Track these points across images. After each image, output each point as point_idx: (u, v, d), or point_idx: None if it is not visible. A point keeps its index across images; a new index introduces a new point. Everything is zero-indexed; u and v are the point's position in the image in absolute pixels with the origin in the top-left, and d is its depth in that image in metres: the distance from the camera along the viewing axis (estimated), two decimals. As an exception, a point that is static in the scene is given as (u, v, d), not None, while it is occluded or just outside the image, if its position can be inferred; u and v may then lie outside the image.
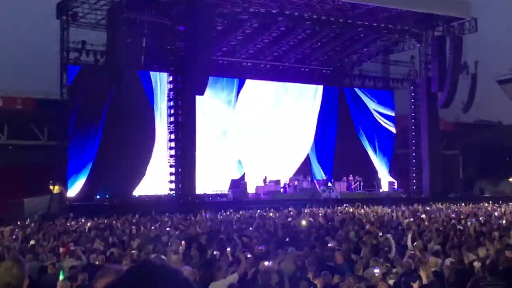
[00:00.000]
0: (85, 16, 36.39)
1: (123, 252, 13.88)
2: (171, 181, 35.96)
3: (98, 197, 35.58)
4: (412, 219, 19.59)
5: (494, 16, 58.69)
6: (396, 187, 44.79)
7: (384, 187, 45.41)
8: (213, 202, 37.27)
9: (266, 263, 10.04)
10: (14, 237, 18.93)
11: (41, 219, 28.80)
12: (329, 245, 13.53)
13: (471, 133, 55.98)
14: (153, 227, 20.57)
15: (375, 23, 40.27)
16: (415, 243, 13.43)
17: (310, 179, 42.07)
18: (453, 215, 22.16)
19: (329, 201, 36.63)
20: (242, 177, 40.20)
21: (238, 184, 38.86)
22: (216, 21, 35.96)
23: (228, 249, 12.57)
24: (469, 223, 17.54)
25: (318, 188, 40.00)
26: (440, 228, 16.61)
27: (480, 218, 19.99)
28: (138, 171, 37.23)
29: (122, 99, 36.36)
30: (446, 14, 40.93)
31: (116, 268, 3.17)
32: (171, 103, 36.55)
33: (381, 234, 15.47)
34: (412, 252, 12.17)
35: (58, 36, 35.85)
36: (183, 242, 14.94)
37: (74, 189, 35.66)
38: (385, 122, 47.92)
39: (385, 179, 46.36)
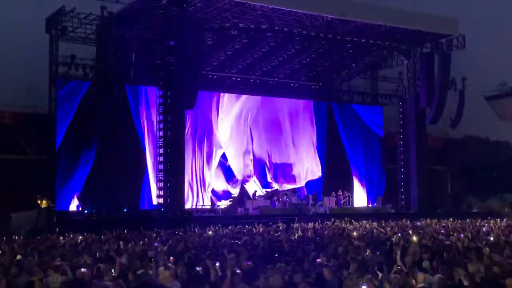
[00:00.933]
0: (75, 30, 36.34)
1: (110, 267, 13.79)
2: (159, 196, 35.83)
3: (86, 212, 35.41)
4: (400, 235, 19.61)
5: (482, 33, 59.23)
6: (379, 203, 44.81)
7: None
8: (202, 217, 37.13)
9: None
10: (0, 252, 18.75)
11: (28, 234, 28.57)
12: (318, 260, 13.49)
13: (459, 149, 56.33)
14: (141, 242, 20.44)
15: (363, 39, 40.50)
16: (404, 258, 13.45)
17: (299, 194, 42.08)
18: (442, 231, 22.20)
19: (318, 216, 36.63)
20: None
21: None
22: (206, 36, 36.02)
23: (217, 264, 12.50)
24: (458, 240, 17.55)
25: (307, 203, 39.98)
26: (428, 244, 16.63)
27: (468, 234, 20.03)
28: (128, 186, 37.14)
29: (113, 114, 36.35)
30: (434, 31, 41.26)
31: (103, 286, 3.17)
32: (161, 118, 36.46)
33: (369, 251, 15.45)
34: (399, 267, 12.18)
35: (47, 50, 35.76)
36: (171, 258, 14.88)
37: (65, 204, 35.46)
38: (373, 138, 47.99)
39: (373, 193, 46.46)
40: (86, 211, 35.42)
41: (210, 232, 25.02)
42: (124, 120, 37.38)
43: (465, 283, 10.38)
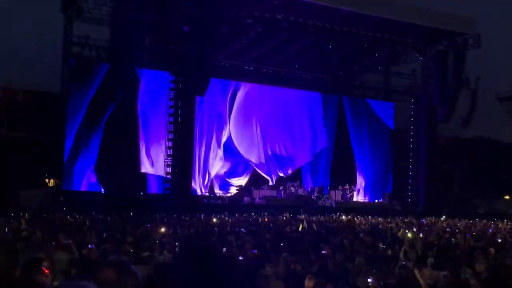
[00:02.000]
0: (90, 11, 36.35)
1: (116, 247, 13.85)
2: (167, 181, 35.97)
3: (103, 191, 35.58)
4: (406, 231, 19.58)
5: (498, 33, 58.84)
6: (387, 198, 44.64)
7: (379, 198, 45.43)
8: (208, 203, 37.22)
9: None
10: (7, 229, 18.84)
11: (35, 212, 28.73)
12: (323, 252, 13.50)
13: (468, 149, 56.04)
14: (148, 225, 20.53)
15: (378, 34, 40.29)
16: (409, 254, 13.43)
17: (306, 186, 42.08)
18: (448, 229, 22.16)
19: (324, 209, 36.64)
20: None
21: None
22: (220, 24, 35.92)
23: (224, 249, 12.55)
24: (464, 239, 17.52)
25: (314, 196, 39.98)
26: (435, 241, 16.61)
27: (474, 234, 19.99)
28: (138, 169, 37.22)
29: (125, 96, 36.41)
30: (450, 29, 41.00)
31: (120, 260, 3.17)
32: (171, 103, 36.50)
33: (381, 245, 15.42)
34: (404, 263, 12.17)
35: (62, 30, 35.78)
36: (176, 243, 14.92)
37: (73, 184, 35.62)
38: (383, 134, 47.79)
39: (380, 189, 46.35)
40: (103, 191, 35.46)
41: (215, 219, 25.07)
42: (135, 103, 37.36)
43: (471, 282, 10.35)
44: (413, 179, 45.05)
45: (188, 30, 35.73)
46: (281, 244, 15.63)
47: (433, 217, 33.79)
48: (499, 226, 27.21)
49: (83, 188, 35.79)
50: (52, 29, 39.46)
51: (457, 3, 55.34)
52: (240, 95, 42.68)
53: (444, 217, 34.86)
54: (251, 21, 37.15)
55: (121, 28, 32.92)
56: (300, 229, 19.93)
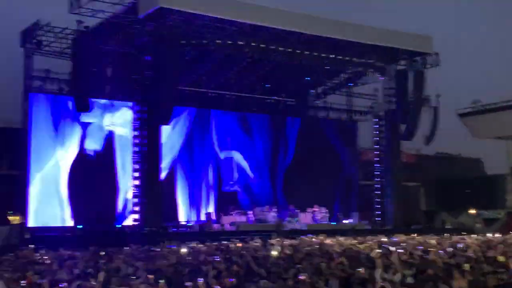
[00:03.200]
0: (50, 44, 36.02)
1: (89, 284, 13.57)
2: (134, 212, 35.55)
3: (80, 226, 34.97)
4: (379, 251, 19.61)
5: (456, 50, 60.10)
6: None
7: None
8: (177, 233, 36.83)
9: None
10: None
11: (1, 250, 28.01)
12: (300, 277, 13.39)
13: (431, 165, 56.85)
14: (118, 259, 20.13)
15: (340, 56, 40.80)
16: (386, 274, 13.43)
17: (275, 210, 41.97)
18: (420, 247, 22.28)
19: (295, 232, 36.55)
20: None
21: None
22: (183, 51, 35.93)
23: (201, 280, 12.35)
24: (437, 256, 17.62)
25: (283, 219, 39.90)
26: (409, 260, 16.65)
27: (447, 250, 20.13)
28: (103, 203, 36.70)
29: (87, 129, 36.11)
30: (409, 48, 41.78)
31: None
32: (136, 133, 36.23)
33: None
34: (382, 284, 12.14)
35: (21, 64, 35.36)
36: (151, 276, 14.65)
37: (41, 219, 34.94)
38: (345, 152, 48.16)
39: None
40: (80, 226, 34.83)
41: (185, 250, 24.72)
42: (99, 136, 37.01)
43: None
44: (380, 198, 45.39)
45: (150, 59, 35.66)
46: (256, 271, 15.46)
47: (403, 234, 33.95)
48: (468, 241, 27.47)
49: (50, 223, 35.05)
50: (12, 64, 38.99)
51: (413, 22, 56.47)
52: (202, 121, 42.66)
53: (413, 234, 35.07)
54: (213, 47, 37.23)
55: (82, 59, 32.65)
56: (275, 254, 19.79)
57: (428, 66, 42.95)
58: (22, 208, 34.88)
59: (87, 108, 33.46)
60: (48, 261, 19.92)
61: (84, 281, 14.16)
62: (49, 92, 36.04)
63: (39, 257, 22.05)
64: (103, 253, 23.55)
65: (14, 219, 36.40)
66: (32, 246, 26.53)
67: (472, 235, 35.14)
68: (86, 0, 32.35)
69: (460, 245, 23.59)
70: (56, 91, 35.93)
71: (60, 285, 12.87)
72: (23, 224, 34.51)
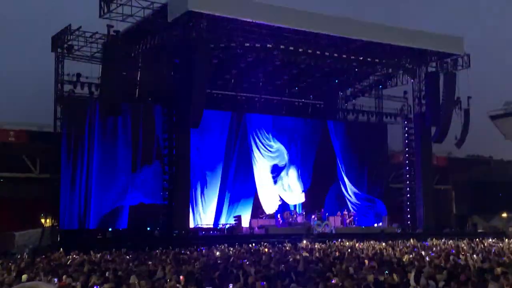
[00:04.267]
0: (80, 49, 36.41)
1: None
2: (164, 215, 35.67)
3: (110, 229, 35.25)
4: (412, 255, 19.38)
5: (487, 52, 59.32)
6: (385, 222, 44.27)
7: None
8: (206, 236, 36.89)
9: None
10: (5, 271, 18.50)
11: (33, 253, 28.36)
12: (332, 281, 13.27)
13: (463, 168, 56.10)
14: (149, 262, 20.22)
15: (369, 58, 40.50)
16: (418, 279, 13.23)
17: (304, 213, 41.82)
18: (452, 251, 21.97)
19: (324, 236, 36.36)
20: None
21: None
22: (211, 55, 35.99)
23: (231, 286, 12.29)
24: (470, 260, 17.34)
25: (313, 223, 39.69)
26: (441, 264, 16.40)
27: (480, 254, 19.81)
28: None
29: (120, 131, 36.23)
30: (440, 50, 41.31)
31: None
32: (165, 136, 36.39)
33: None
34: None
35: (53, 69, 35.78)
36: (181, 277, 14.67)
37: (70, 223, 35.19)
38: (375, 157, 47.62)
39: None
40: (110, 229, 35.10)
41: (217, 252, 24.77)
42: (129, 138, 37.15)
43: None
44: (410, 201, 44.92)
45: (179, 62, 35.81)
46: (287, 274, 15.36)
47: (434, 239, 33.56)
48: (501, 245, 27.05)
49: (80, 226, 35.30)
50: (43, 69, 39.50)
51: (445, 23, 55.90)
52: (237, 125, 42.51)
53: (445, 238, 34.63)
54: (241, 51, 37.25)
55: (112, 63, 32.89)
56: (303, 245, 19.63)
57: (459, 67, 42.43)
58: (54, 211, 35.24)
59: (117, 112, 33.65)
60: (78, 264, 20.05)
61: (116, 284, 14.22)
62: (80, 96, 36.28)
63: (70, 260, 22.23)
64: (134, 256, 23.72)
65: (46, 222, 36.85)
66: (61, 249, 26.77)
67: (505, 239, 34.56)
68: (116, 5, 32.63)
69: (493, 249, 23.22)
70: (87, 95, 36.18)
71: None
72: (55, 226, 34.87)
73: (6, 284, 14.37)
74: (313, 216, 40.29)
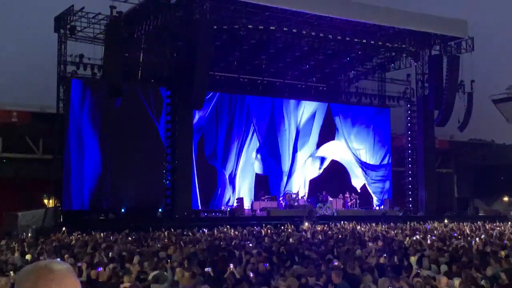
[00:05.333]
0: (83, 30, 36.28)
1: (123, 268, 13.70)
2: (166, 196, 35.78)
3: (104, 207, 35.33)
4: (414, 238, 19.46)
5: (491, 36, 58.96)
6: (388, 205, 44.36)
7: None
8: (209, 217, 37.03)
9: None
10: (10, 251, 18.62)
11: (36, 233, 28.52)
12: (335, 263, 13.35)
13: (465, 152, 56.09)
14: (151, 243, 20.34)
15: (372, 41, 40.36)
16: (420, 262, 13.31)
17: (306, 195, 41.91)
18: (454, 234, 22.05)
19: (325, 218, 36.48)
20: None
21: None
22: (214, 36, 35.87)
23: (231, 266, 12.37)
24: (473, 242, 17.41)
25: (314, 205, 39.81)
26: (444, 247, 16.48)
27: (482, 237, 19.88)
28: (137, 186, 36.88)
29: (122, 113, 36.15)
30: (443, 33, 41.13)
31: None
32: (168, 118, 36.40)
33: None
34: (418, 271, 12.03)
35: (56, 50, 35.70)
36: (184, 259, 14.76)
37: (72, 203, 35.29)
38: (379, 139, 47.63)
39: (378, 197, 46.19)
40: (104, 207, 35.21)
41: (220, 234, 24.88)
42: (132, 120, 37.11)
43: (486, 286, 10.25)
44: (412, 184, 45.01)
45: (182, 44, 35.72)
46: (289, 256, 15.46)
47: (436, 222, 33.66)
48: (503, 229, 27.13)
49: (83, 207, 35.42)
50: (45, 49, 39.38)
51: (448, 6, 55.57)
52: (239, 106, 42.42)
53: (446, 221, 34.74)
54: (244, 33, 37.12)
55: (115, 45, 32.78)
56: (305, 227, 19.71)
57: (462, 51, 42.28)
58: (57, 192, 35.34)
59: (119, 94, 33.61)
60: (81, 245, 20.17)
61: (119, 264, 14.32)
62: (82, 77, 36.22)
63: (73, 241, 22.36)
64: (137, 236, 23.85)
65: (49, 202, 36.97)
66: (64, 229, 26.87)
67: (510, 223, 34.66)
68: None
69: (495, 233, 23.30)
70: (90, 76, 36.11)
71: (97, 269, 12.97)
72: (58, 207, 34.98)
73: (10, 264, 14.47)
74: (314, 198, 40.51)
